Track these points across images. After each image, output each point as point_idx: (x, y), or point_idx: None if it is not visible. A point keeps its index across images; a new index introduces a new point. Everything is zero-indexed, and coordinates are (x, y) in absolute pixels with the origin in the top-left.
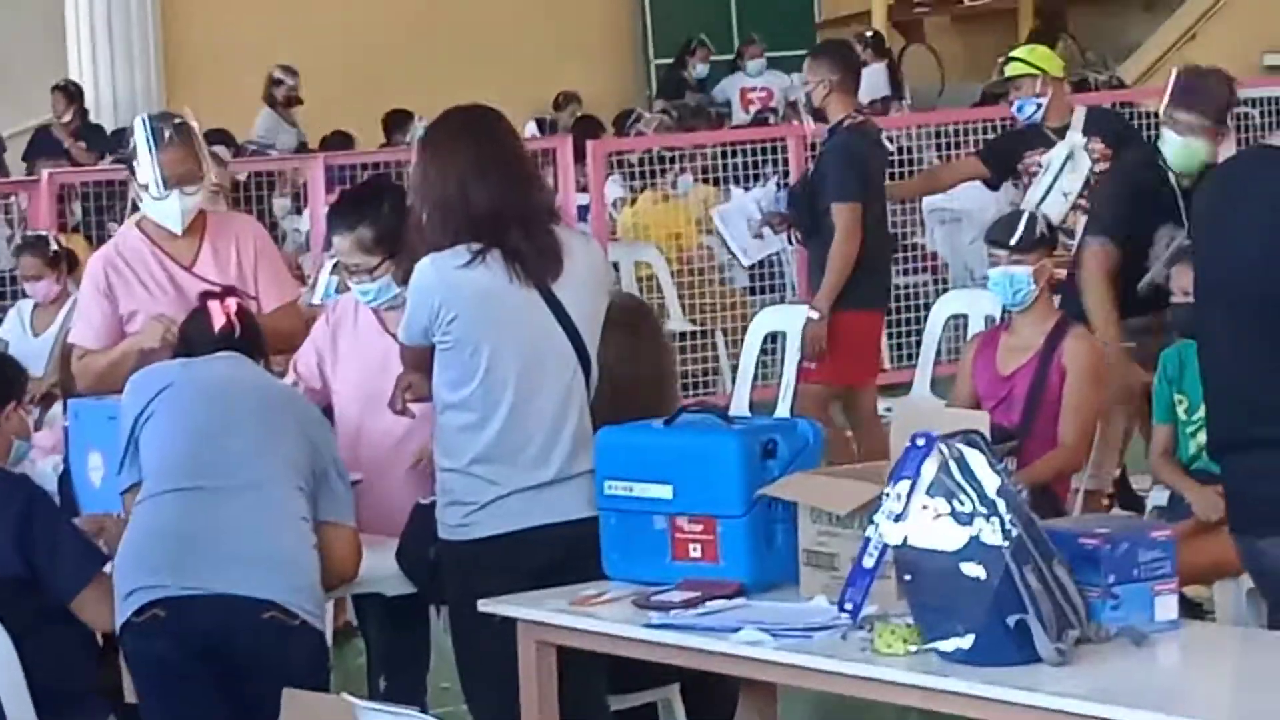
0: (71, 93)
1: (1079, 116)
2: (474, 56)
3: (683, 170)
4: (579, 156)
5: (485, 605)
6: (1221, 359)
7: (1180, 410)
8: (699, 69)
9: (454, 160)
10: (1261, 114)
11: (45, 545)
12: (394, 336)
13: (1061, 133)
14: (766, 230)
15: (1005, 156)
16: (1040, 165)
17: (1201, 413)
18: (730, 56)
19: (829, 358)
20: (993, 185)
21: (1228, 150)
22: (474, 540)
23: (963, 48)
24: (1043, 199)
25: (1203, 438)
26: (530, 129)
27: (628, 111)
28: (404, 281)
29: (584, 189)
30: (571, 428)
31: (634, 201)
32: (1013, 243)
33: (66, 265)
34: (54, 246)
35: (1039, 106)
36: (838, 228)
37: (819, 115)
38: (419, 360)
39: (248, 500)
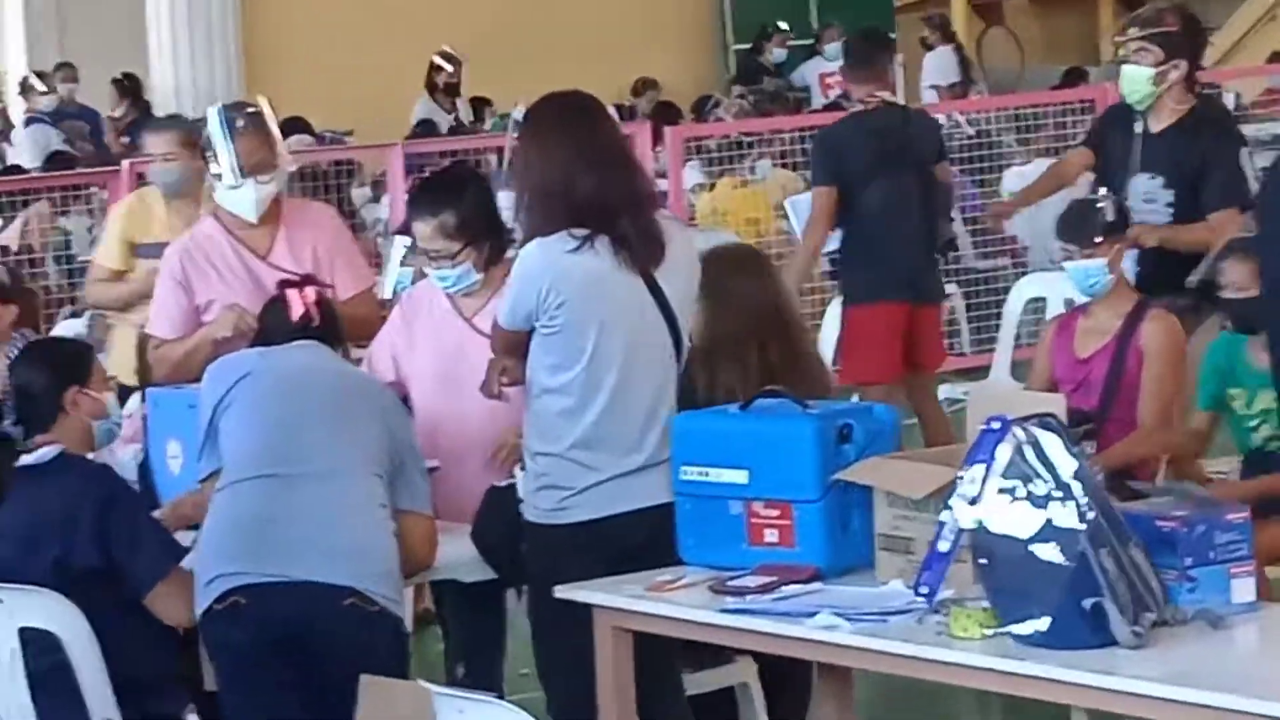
0: (125, 86)
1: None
2: (554, 43)
3: (761, 155)
4: (657, 142)
5: (562, 591)
6: None
7: (1237, 405)
8: (776, 54)
9: (558, 146)
10: None
11: (124, 538)
12: (469, 322)
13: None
14: None
15: (1105, 136)
16: None
17: (1262, 405)
18: (809, 42)
19: (842, 357)
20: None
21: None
22: (568, 525)
23: (1041, 30)
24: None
25: (1266, 430)
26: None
27: (706, 97)
28: (484, 268)
29: (662, 175)
30: (665, 413)
31: (712, 187)
32: (1083, 238)
33: None
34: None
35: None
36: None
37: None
38: (513, 345)
39: (326, 487)
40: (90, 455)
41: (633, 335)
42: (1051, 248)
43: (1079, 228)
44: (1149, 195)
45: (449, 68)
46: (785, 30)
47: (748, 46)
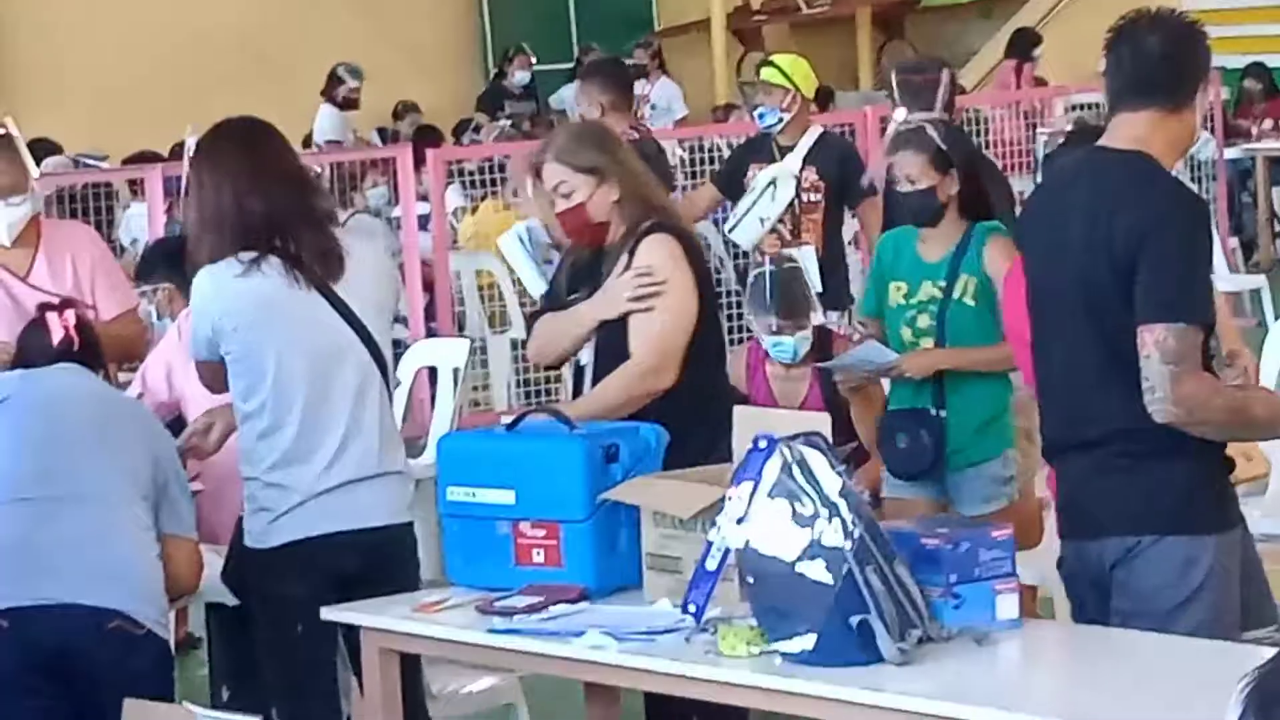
0: None
1: (808, 140)
2: (312, 65)
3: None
4: (419, 165)
5: (329, 614)
6: (1054, 365)
7: (897, 298)
8: (519, 76)
9: (225, 171)
10: (1097, 117)
11: None
12: None
13: (786, 152)
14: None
15: (735, 173)
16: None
17: (925, 295)
18: (570, 65)
19: None
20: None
21: None
22: (273, 548)
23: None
24: (736, 223)
25: (925, 320)
26: (372, 138)
27: (466, 120)
28: None
29: (424, 198)
30: (370, 428)
31: (475, 210)
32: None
33: None
34: None
35: (780, 120)
36: None
37: None
38: (216, 376)
39: (89, 510)
40: None
41: (315, 352)
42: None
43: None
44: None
45: (351, 82)
46: (526, 51)
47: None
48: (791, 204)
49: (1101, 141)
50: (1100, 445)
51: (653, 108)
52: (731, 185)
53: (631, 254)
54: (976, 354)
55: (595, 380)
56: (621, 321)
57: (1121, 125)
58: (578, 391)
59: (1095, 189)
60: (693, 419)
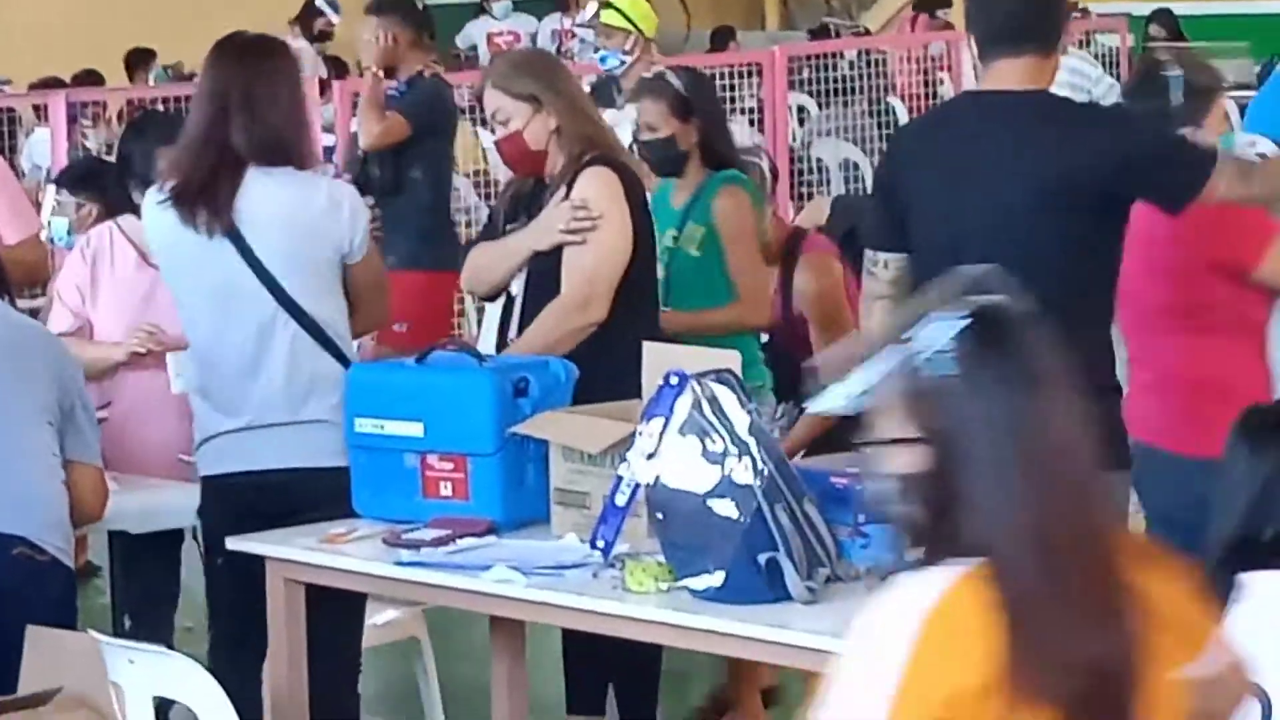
0: None
1: (629, 82)
2: None
3: None
4: (324, 94)
5: (233, 543)
6: None
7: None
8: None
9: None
10: None
11: None
12: (156, 269)
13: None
14: None
15: None
16: None
17: (663, 245)
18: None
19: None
20: None
21: None
22: (204, 476)
23: None
24: None
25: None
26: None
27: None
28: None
29: (329, 129)
30: (275, 373)
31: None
32: None
33: None
34: None
35: (622, 63)
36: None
37: (388, 72)
38: None
39: None
40: None
41: (211, 291)
42: None
43: None
44: None
45: (333, 16)
46: None
47: None
48: (631, 148)
49: (985, 87)
50: None
51: (582, 42)
52: None
53: (570, 186)
54: (705, 318)
55: (524, 311)
56: (555, 254)
57: (1001, 71)
58: (506, 321)
59: (1024, 127)
60: (625, 358)
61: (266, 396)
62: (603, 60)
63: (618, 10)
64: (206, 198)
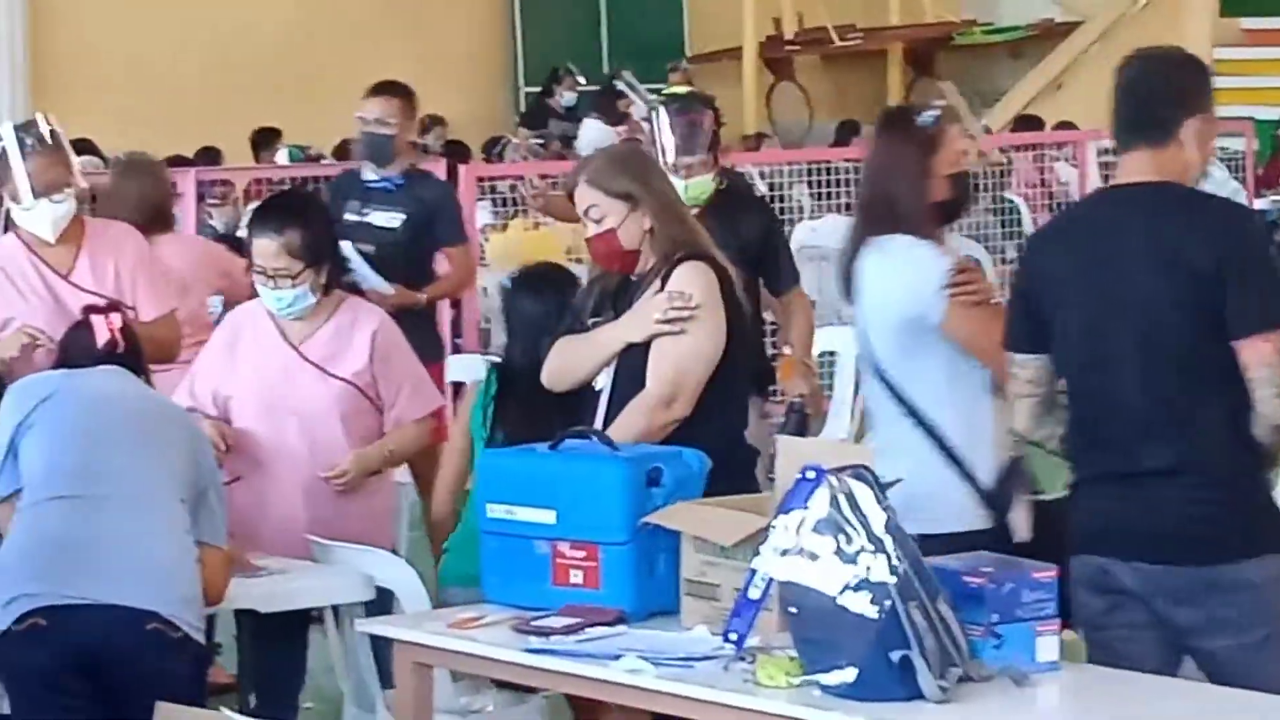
0: None
1: None
2: (340, 74)
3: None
4: (449, 180)
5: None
6: (1110, 393)
7: None
8: (566, 97)
9: None
10: None
11: None
12: (295, 349)
13: None
14: None
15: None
16: None
17: None
18: (599, 87)
19: None
20: None
21: None
22: None
23: (831, 87)
24: None
25: None
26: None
27: (497, 137)
28: (320, 292)
29: None
30: None
31: (504, 228)
32: None
33: None
34: None
35: None
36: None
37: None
38: None
39: (131, 510)
40: None
41: None
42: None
43: None
44: None
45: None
46: (574, 73)
47: (539, 89)
48: None
49: (1118, 181)
50: (1179, 472)
51: None
52: None
53: (664, 280)
54: None
55: (611, 406)
56: (645, 347)
57: (1127, 164)
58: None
59: (1150, 217)
60: (711, 452)
61: None
62: None
63: None
64: None
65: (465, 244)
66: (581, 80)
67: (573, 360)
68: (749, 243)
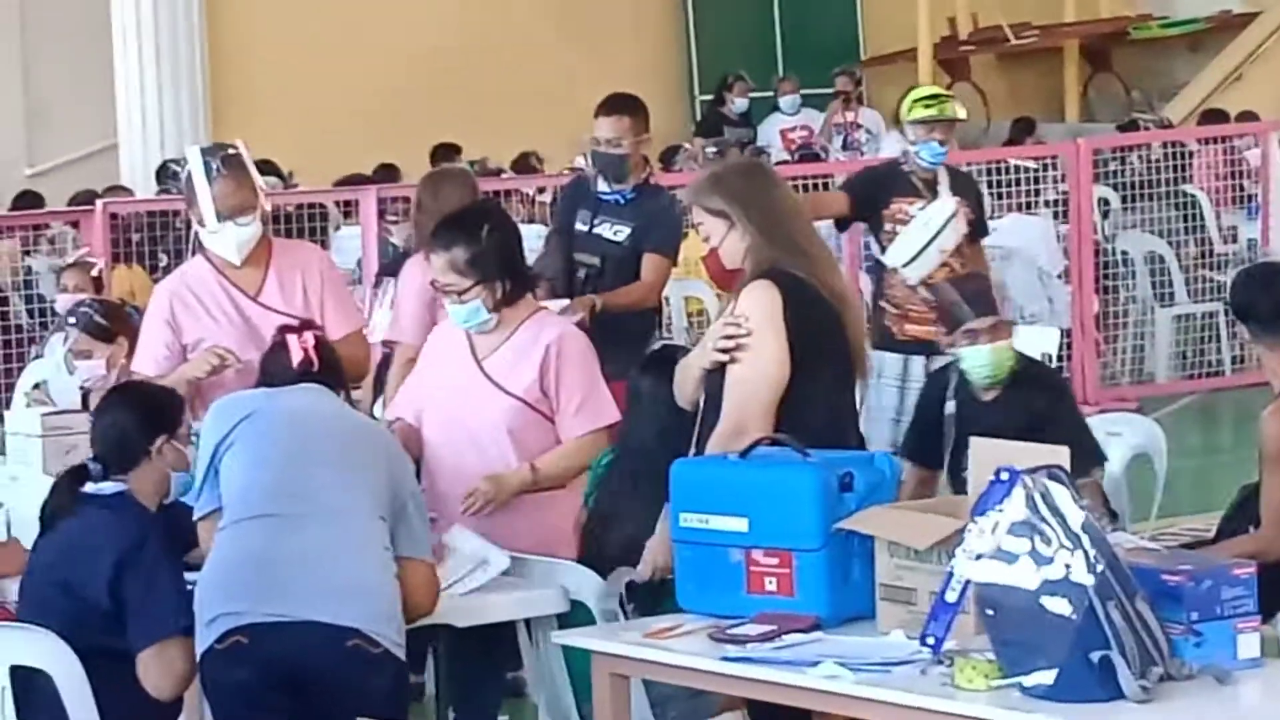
0: None
1: (944, 174)
2: (515, 90)
3: None
4: None
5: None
6: None
7: None
8: (738, 104)
9: None
10: None
11: (138, 589)
12: (479, 365)
13: (930, 185)
14: None
15: (872, 198)
16: (909, 213)
17: None
18: (770, 94)
19: None
20: (843, 225)
21: None
22: None
23: (1007, 86)
24: (916, 255)
25: None
26: (579, 162)
27: (675, 147)
28: (496, 308)
29: None
30: None
31: (685, 237)
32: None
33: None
34: (98, 268)
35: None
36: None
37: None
38: None
39: (331, 528)
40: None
41: None
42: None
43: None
44: None
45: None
46: (745, 79)
47: (711, 97)
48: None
49: None
50: None
51: (869, 133)
52: (865, 206)
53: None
54: None
55: (702, 424)
56: (720, 371)
57: None
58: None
59: None
60: None
61: None
62: (936, 156)
63: (956, 103)
64: None
65: (665, 252)
66: (752, 86)
67: (682, 384)
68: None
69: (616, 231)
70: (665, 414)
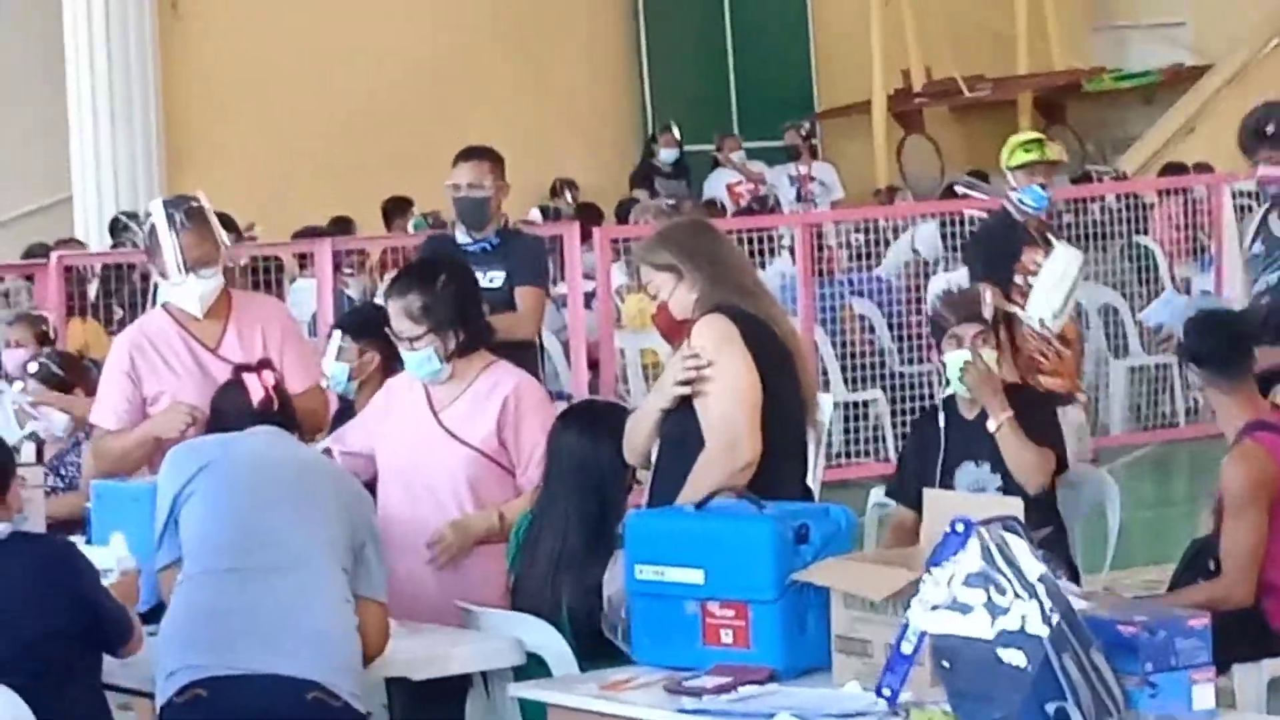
0: None
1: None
2: (471, 140)
3: None
4: (584, 241)
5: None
6: None
7: None
8: (664, 154)
9: None
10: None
11: (101, 595)
12: (435, 416)
13: (1043, 233)
14: None
15: (1003, 256)
16: (1038, 264)
17: None
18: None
19: None
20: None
21: None
22: None
23: (962, 138)
24: (1061, 308)
25: None
26: (534, 215)
27: (630, 199)
28: (448, 358)
29: (590, 275)
30: None
31: (639, 289)
32: None
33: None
34: (47, 322)
35: (1050, 200)
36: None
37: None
38: None
39: (290, 579)
40: None
41: None
42: None
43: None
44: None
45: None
46: (672, 130)
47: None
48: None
49: None
50: None
51: (822, 184)
52: (997, 267)
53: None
54: None
55: (657, 471)
56: (679, 413)
57: None
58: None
59: None
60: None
61: None
62: (1040, 202)
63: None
64: None
65: (539, 284)
66: (679, 137)
67: (632, 436)
68: None
69: (491, 279)
70: (584, 469)
